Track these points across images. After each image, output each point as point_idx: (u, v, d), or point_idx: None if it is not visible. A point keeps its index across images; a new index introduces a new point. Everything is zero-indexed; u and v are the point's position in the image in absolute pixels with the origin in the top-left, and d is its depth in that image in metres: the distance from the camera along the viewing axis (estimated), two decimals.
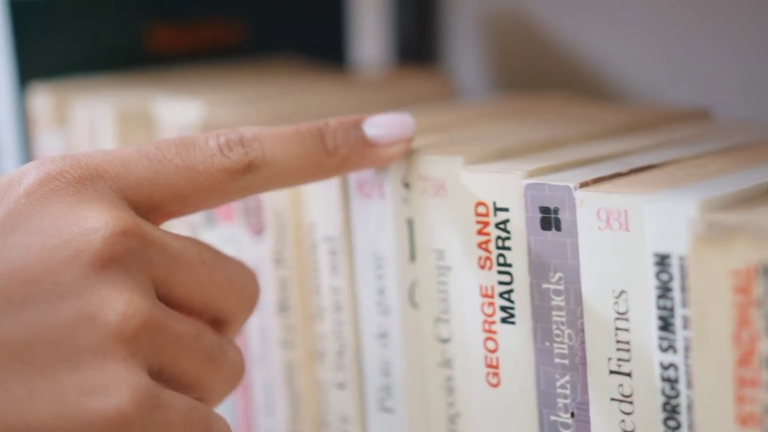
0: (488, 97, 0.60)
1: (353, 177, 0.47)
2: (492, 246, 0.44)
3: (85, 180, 0.38)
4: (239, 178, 0.41)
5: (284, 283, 0.51)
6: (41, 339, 0.35)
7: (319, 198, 0.49)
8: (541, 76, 0.76)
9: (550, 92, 0.67)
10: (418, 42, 0.82)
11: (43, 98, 0.63)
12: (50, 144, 0.61)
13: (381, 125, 0.44)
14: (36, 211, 0.37)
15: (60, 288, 0.36)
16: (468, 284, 0.45)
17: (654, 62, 0.68)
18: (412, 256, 0.47)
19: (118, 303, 0.36)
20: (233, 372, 0.41)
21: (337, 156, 0.43)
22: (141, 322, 0.36)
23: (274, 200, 0.51)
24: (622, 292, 0.40)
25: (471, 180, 0.44)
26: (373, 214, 0.47)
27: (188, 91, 0.61)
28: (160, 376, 0.38)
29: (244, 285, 0.42)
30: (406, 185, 0.47)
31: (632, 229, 0.39)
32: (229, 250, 0.53)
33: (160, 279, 0.38)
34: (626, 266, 0.39)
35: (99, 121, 0.59)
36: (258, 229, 0.52)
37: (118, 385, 0.36)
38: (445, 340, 0.47)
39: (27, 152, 0.64)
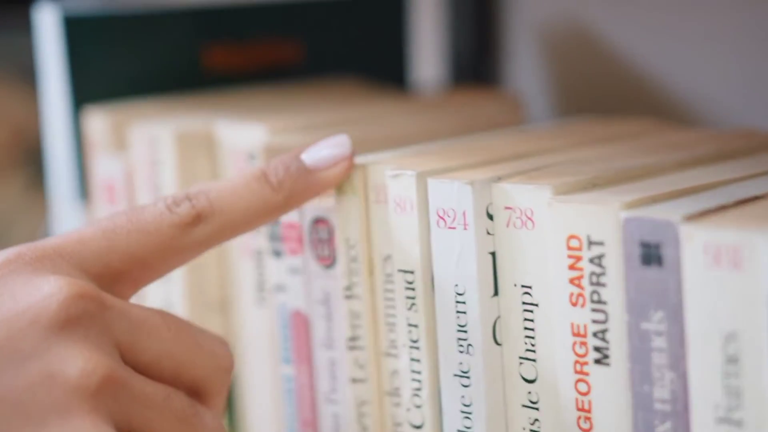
0: (563, 120, 0.58)
1: (433, 206, 0.45)
2: (585, 282, 0.41)
3: (43, 258, 0.40)
4: (191, 231, 0.43)
5: (356, 318, 0.49)
6: (5, 403, 0.37)
7: (395, 228, 0.46)
8: (609, 98, 0.73)
9: (627, 115, 0.64)
10: (477, 61, 0.79)
11: (99, 121, 0.61)
12: (108, 168, 0.59)
13: (318, 151, 0.46)
14: None
15: (20, 353, 0.37)
16: (558, 322, 0.42)
17: (732, 83, 0.66)
18: (496, 291, 0.44)
19: (78, 359, 0.37)
20: None
21: (282, 190, 0.45)
22: (102, 377, 0.37)
23: (346, 231, 0.48)
24: (733, 334, 0.37)
25: (562, 211, 0.41)
26: (455, 246, 0.45)
27: (250, 114, 0.59)
28: None
29: (213, 350, 0.42)
30: (491, 216, 0.44)
31: (745, 267, 0.36)
32: (297, 281, 0.51)
33: (125, 344, 0.39)
34: (738, 306, 0.37)
35: (159, 145, 0.56)
36: (329, 262, 0.50)
37: None
38: (531, 380, 0.44)
39: (83, 177, 0.62)
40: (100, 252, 0.41)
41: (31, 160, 1.06)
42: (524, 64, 0.78)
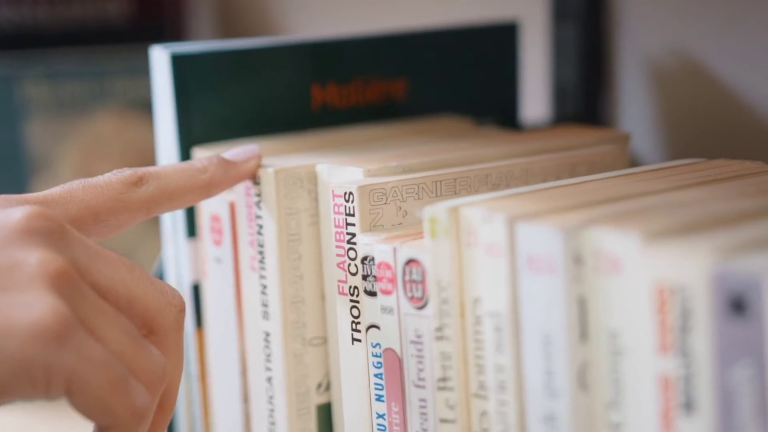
0: (668, 162, 0.57)
1: (523, 250, 0.45)
2: (673, 330, 0.41)
3: (12, 201, 0.47)
4: (135, 189, 0.52)
5: (446, 359, 0.49)
6: None
7: (485, 271, 0.47)
8: (722, 136, 0.72)
9: (742, 154, 0.63)
10: (584, 97, 0.79)
11: None
12: (214, 204, 0.60)
13: (234, 151, 0.58)
14: None
15: None
16: (644, 369, 0.42)
17: None
18: (584, 336, 0.44)
19: (38, 253, 0.43)
20: (154, 367, 0.45)
21: (207, 172, 0.55)
22: (60, 267, 0.43)
23: (437, 272, 0.48)
24: None
25: (650, 258, 0.41)
26: (543, 291, 0.45)
27: (351, 155, 0.59)
28: (85, 327, 0.43)
29: (164, 288, 0.48)
30: (579, 260, 0.44)
31: None
32: (390, 320, 0.51)
33: (82, 265, 0.45)
34: None
35: (261, 182, 0.57)
36: (421, 303, 0.50)
37: (40, 302, 0.42)
38: (617, 426, 0.43)
39: (193, 216, 0.63)
40: (60, 201, 0.50)
41: None
42: (633, 100, 0.77)
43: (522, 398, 0.46)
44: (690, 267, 0.40)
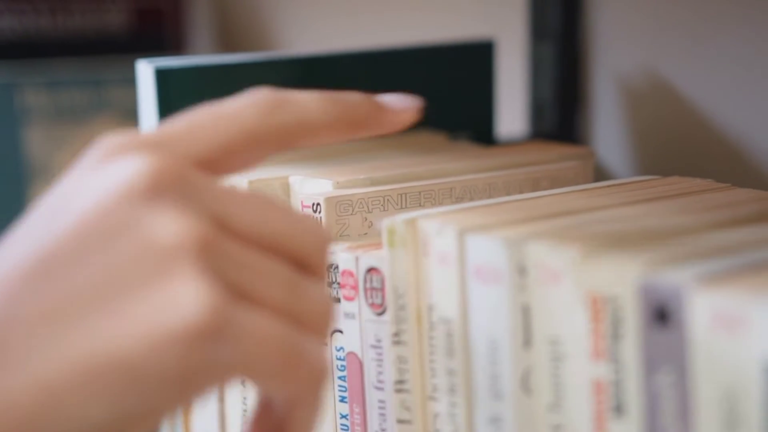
0: (626, 179, 0.60)
1: (471, 260, 0.48)
2: (605, 337, 0.43)
3: (121, 147, 0.39)
4: (270, 119, 0.43)
5: (403, 362, 0.52)
6: (108, 279, 0.36)
7: (438, 280, 0.49)
8: (689, 154, 0.74)
9: (707, 171, 0.65)
10: (559, 114, 0.82)
11: None
12: None
13: (392, 97, 0.47)
14: (86, 173, 0.39)
15: (110, 232, 0.37)
16: (580, 374, 0.45)
17: None
18: (527, 343, 0.47)
19: (169, 225, 0.37)
20: (321, 308, 0.40)
21: (354, 108, 0.45)
22: (197, 238, 0.37)
23: (395, 280, 0.51)
24: (737, 392, 0.39)
25: (583, 270, 0.44)
26: (489, 299, 0.47)
27: (323, 166, 0.62)
28: (242, 297, 0.38)
29: (304, 218, 0.41)
30: (523, 271, 0.47)
31: (747, 334, 0.38)
32: (352, 325, 0.54)
33: (218, 216, 0.38)
34: (734, 368, 0.39)
35: None
36: (380, 309, 0.53)
37: (189, 295, 0.36)
38: (557, 427, 0.46)
39: None
40: (182, 133, 0.41)
41: None
42: (607, 117, 0.80)
43: (470, 400, 0.49)
44: (620, 279, 0.43)
